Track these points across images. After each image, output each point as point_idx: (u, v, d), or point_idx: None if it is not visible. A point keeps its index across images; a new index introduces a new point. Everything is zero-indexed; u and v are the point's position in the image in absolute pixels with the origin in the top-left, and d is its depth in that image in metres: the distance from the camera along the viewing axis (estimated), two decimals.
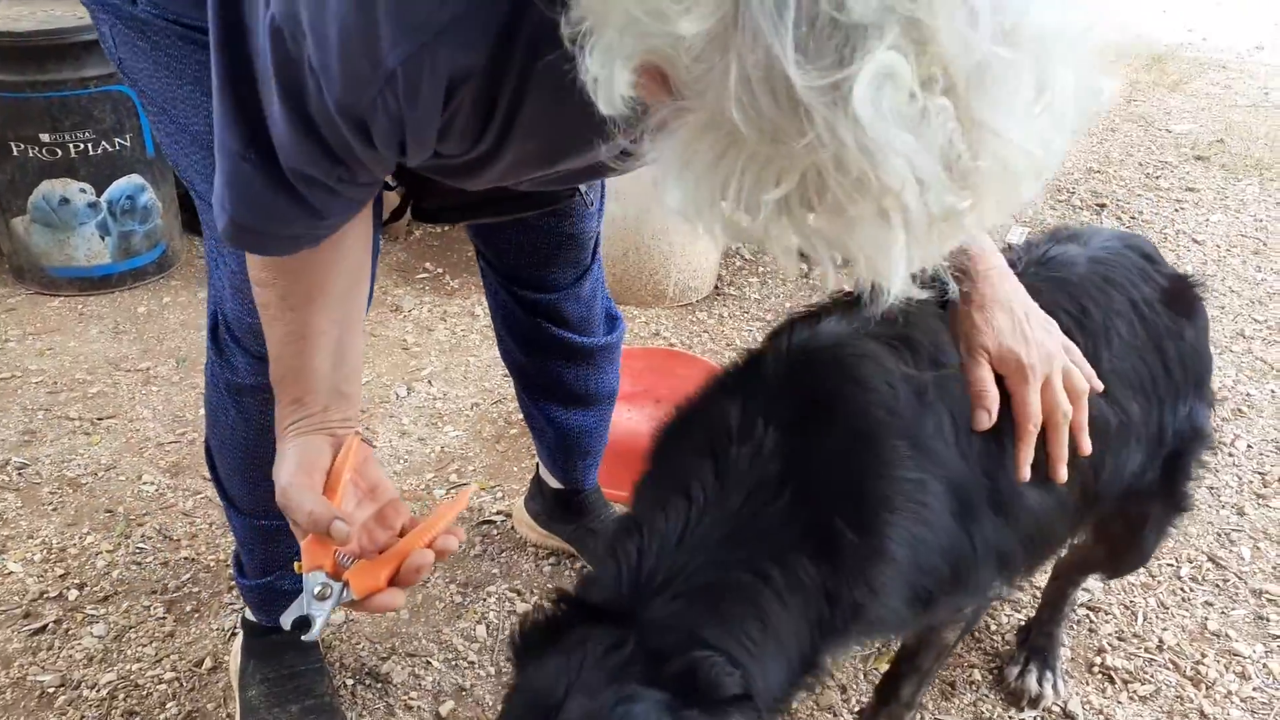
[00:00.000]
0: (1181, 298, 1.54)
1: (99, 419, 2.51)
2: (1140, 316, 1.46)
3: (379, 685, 1.77)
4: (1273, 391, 2.78)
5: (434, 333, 2.94)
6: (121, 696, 1.73)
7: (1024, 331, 1.26)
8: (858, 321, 1.28)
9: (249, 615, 1.69)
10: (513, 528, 2.18)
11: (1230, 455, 2.50)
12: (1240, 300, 3.28)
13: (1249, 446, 2.54)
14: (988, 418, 1.25)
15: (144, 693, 1.74)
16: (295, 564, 1.07)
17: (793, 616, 1.13)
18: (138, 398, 2.60)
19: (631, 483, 1.29)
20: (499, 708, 1.08)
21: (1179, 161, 4.43)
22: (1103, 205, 3.95)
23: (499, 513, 2.22)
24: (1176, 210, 3.94)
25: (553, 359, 1.81)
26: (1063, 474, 1.29)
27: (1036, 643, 1.83)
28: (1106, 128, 4.81)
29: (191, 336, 2.82)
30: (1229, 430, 2.60)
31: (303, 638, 1.06)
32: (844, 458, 1.18)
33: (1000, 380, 1.26)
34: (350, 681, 1.77)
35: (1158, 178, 4.25)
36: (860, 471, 1.18)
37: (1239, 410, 2.69)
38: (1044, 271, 1.43)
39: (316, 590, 1.04)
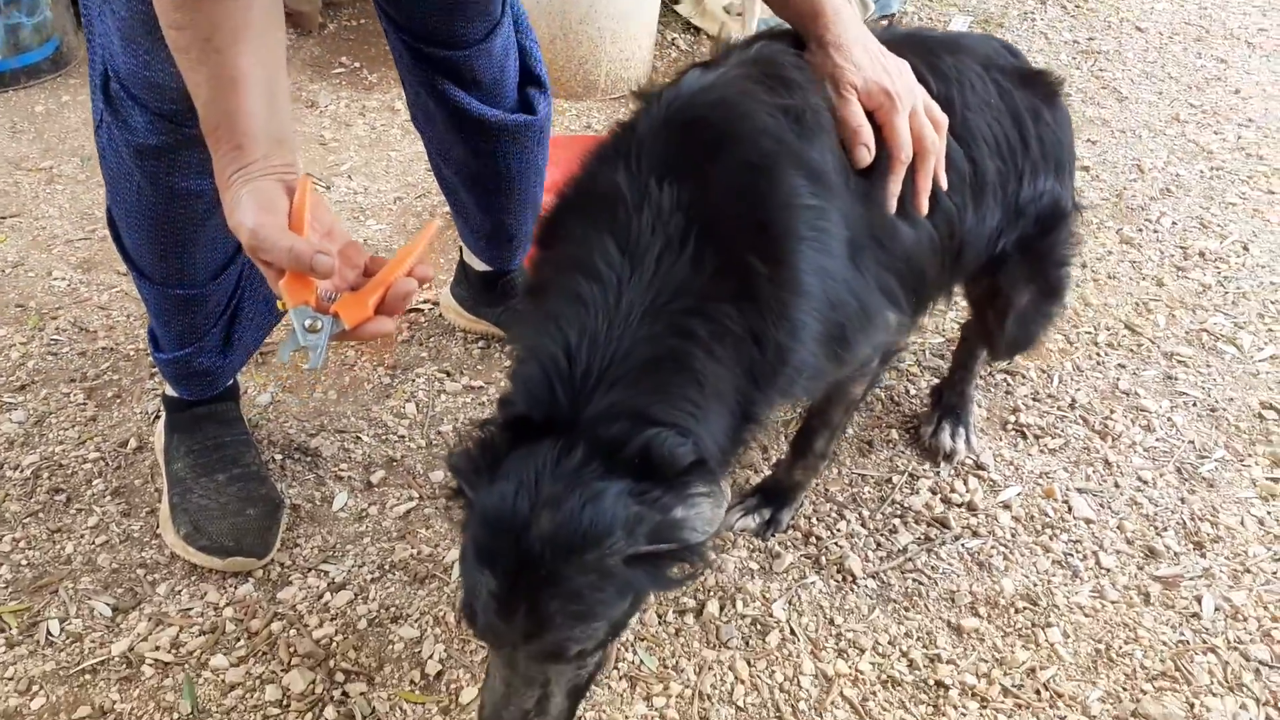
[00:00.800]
0: (1039, 84, 1.54)
1: (3, 218, 2.40)
2: (995, 81, 1.46)
3: (308, 459, 1.78)
4: (1201, 172, 2.80)
5: (352, 128, 2.82)
6: (46, 475, 1.72)
7: (884, 65, 1.28)
8: (721, 69, 1.24)
9: (169, 391, 1.67)
10: (440, 315, 2.16)
11: (1155, 232, 2.54)
12: (1178, 86, 3.25)
13: (1174, 224, 2.57)
14: (867, 153, 1.26)
15: (69, 471, 1.73)
16: (279, 303, 1.04)
17: (725, 368, 1.12)
18: (42, 196, 2.48)
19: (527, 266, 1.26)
20: (459, 538, 1.08)
21: None
22: None
23: (426, 301, 2.20)
24: None
25: (469, 133, 1.73)
26: (925, 205, 1.32)
27: (949, 401, 1.88)
28: None
29: None
30: (1155, 208, 2.62)
31: (305, 367, 1.05)
32: (743, 193, 1.15)
33: (870, 116, 1.27)
34: (279, 456, 1.78)
35: None
36: (761, 204, 1.15)
37: (1167, 190, 2.71)
38: (897, 33, 1.44)
39: (306, 324, 1.02)
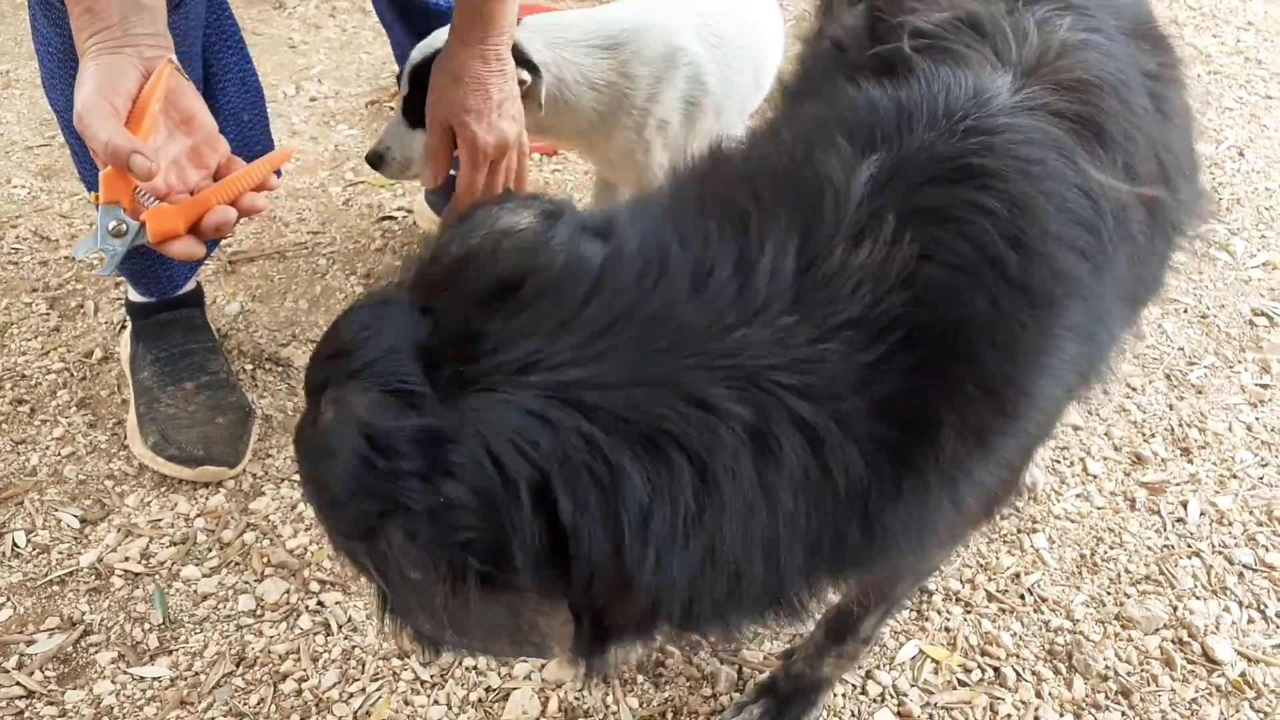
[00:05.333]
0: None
1: None
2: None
3: (279, 369, 1.73)
4: (1199, 75, 2.72)
5: (322, 30, 2.71)
6: (9, 386, 1.67)
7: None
8: (1025, 73, 0.83)
9: (132, 296, 1.61)
10: (415, 223, 2.09)
11: None
12: None
13: None
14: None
15: (32, 382, 1.68)
16: (93, 195, 0.98)
17: (787, 539, 0.71)
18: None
19: None
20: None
21: None
22: None
23: (400, 208, 2.13)
24: None
25: (416, 21, 1.65)
26: None
27: None
28: None
29: None
30: None
31: (97, 273, 1.00)
32: (977, 327, 0.73)
33: None
34: (249, 366, 1.73)
35: None
36: (1010, 355, 0.75)
37: None
38: None
39: (111, 226, 0.97)
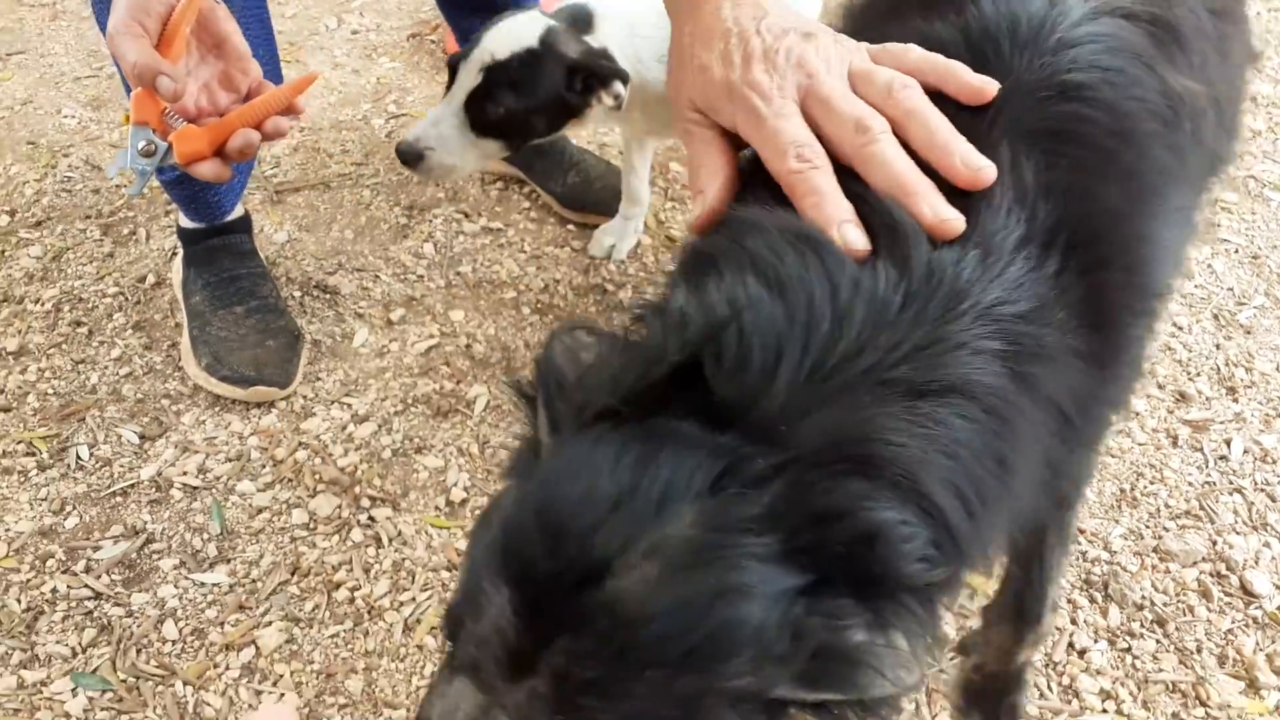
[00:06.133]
0: None
1: (8, 55, 2.33)
2: None
3: (327, 296, 1.76)
4: (1257, 13, 2.64)
5: None
6: (67, 309, 1.71)
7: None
8: None
9: (183, 222, 1.64)
10: None
11: None
12: None
13: None
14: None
15: (89, 305, 1.72)
16: (124, 115, 1.02)
17: (1037, 434, 0.69)
18: (47, 33, 2.41)
19: None
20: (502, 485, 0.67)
21: None
22: None
23: None
24: None
25: None
26: None
27: None
28: None
29: None
30: None
31: (128, 192, 1.04)
32: (1117, 215, 0.76)
33: None
34: (298, 293, 1.76)
35: None
36: (1136, 235, 0.77)
37: None
38: None
39: (141, 146, 1.01)
